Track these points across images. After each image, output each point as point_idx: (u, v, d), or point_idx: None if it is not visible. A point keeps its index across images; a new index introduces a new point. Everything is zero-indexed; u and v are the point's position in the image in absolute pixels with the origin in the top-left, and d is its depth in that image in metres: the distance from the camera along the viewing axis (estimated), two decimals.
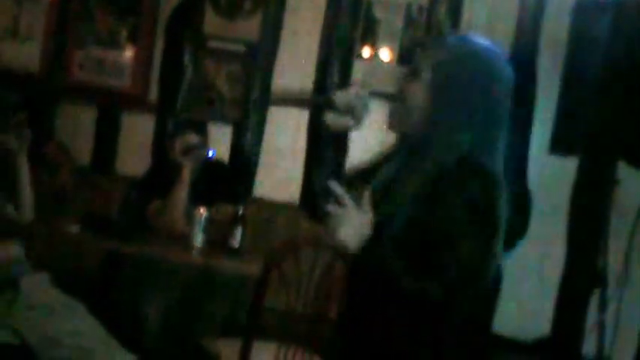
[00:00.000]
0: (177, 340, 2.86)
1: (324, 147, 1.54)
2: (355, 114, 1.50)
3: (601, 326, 3.07)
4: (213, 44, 3.51)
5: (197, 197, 2.93)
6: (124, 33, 3.56)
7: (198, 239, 2.78)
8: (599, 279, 3.14)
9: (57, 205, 3.04)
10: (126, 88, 3.55)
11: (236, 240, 2.81)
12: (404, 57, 3.38)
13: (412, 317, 1.39)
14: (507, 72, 1.43)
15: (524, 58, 3.35)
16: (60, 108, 3.58)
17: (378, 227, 1.39)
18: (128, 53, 3.56)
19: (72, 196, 3.10)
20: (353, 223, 1.35)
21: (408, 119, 1.44)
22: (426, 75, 1.42)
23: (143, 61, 3.54)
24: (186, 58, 3.54)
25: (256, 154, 3.52)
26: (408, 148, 1.48)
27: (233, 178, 3.28)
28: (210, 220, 2.80)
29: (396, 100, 1.47)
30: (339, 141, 1.54)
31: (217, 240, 2.84)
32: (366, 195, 1.37)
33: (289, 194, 3.50)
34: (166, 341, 2.82)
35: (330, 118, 1.53)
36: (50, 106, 3.57)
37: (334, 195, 1.37)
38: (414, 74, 1.45)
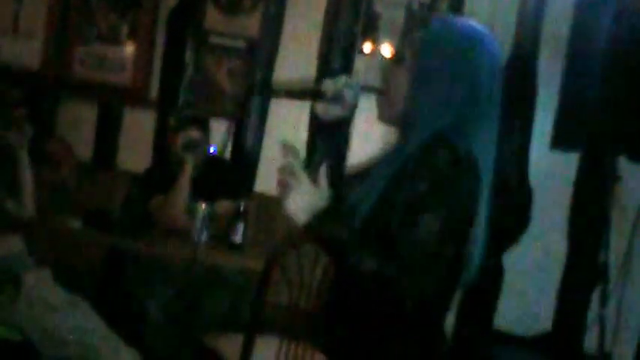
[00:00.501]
0: (180, 335, 2.85)
1: (319, 137, 1.51)
2: (344, 103, 1.46)
3: (602, 321, 3.06)
4: (214, 40, 3.49)
5: (199, 193, 2.91)
6: (125, 29, 3.54)
7: (200, 235, 2.77)
8: (600, 274, 3.12)
9: (58, 201, 3.02)
10: (127, 84, 3.53)
11: (238, 235, 2.80)
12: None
13: (365, 298, 1.35)
14: (491, 52, 1.37)
15: (525, 53, 3.33)
16: (61, 104, 3.56)
17: (350, 210, 1.35)
18: (129, 49, 3.54)
19: (73, 191, 3.08)
20: (303, 196, 1.33)
21: (394, 108, 1.41)
22: (409, 59, 1.38)
23: (144, 57, 3.52)
24: (187, 54, 3.52)
25: (257, 149, 3.51)
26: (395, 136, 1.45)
27: (234, 173, 3.27)
28: (211, 216, 2.78)
29: (382, 90, 1.43)
30: (338, 132, 1.51)
31: (219, 235, 2.83)
32: (322, 170, 1.35)
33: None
34: (168, 337, 2.81)
35: (320, 108, 1.49)
36: (51, 102, 3.54)
37: (289, 168, 1.35)
38: (397, 61, 1.42)
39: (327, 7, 3.44)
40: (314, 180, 1.36)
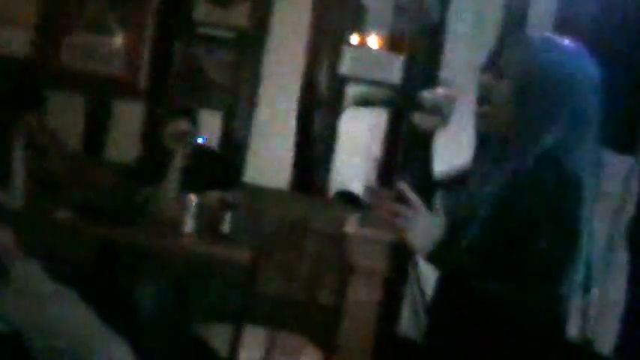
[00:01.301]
0: (169, 326, 2.83)
1: (409, 147, 1.55)
2: (442, 114, 1.49)
3: (585, 309, 3.07)
4: (203, 31, 3.44)
5: (188, 184, 2.89)
6: (115, 19, 3.48)
7: (190, 226, 2.75)
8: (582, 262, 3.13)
9: (47, 192, 2.98)
10: (116, 74, 3.48)
11: (227, 226, 2.78)
12: (393, 44, 3.34)
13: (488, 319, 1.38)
14: (593, 72, 1.40)
15: None
16: (49, 94, 3.49)
17: (453, 229, 1.36)
18: (119, 40, 3.48)
19: (63, 182, 3.03)
20: (423, 226, 1.33)
21: (494, 120, 1.42)
22: (513, 74, 1.39)
23: (134, 48, 3.46)
24: (177, 45, 3.48)
25: (246, 140, 3.48)
26: (490, 149, 1.47)
27: (223, 164, 3.24)
28: (201, 207, 2.76)
29: (481, 100, 1.44)
30: (423, 142, 1.51)
31: (208, 226, 2.80)
32: (439, 197, 1.37)
33: (279, 180, 3.46)
34: (159, 327, 2.79)
35: (418, 118, 1.51)
36: (41, 92, 3.48)
37: (405, 197, 1.34)
38: (499, 74, 1.42)
39: None
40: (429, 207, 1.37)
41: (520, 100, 1.37)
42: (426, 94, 1.50)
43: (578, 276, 1.37)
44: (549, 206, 1.31)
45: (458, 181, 1.54)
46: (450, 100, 1.49)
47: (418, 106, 1.50)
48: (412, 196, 1.33)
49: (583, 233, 1.34)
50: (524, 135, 1.37)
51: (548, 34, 1.44)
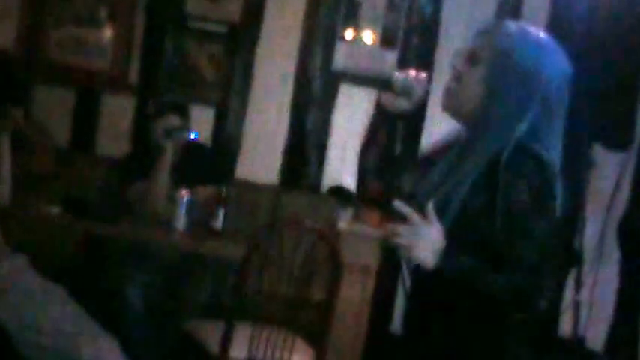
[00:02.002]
0: (160, 322, 2.80)
1: (377, 128, 1.50)
2: (412, 96, 1.46)
3: (576, 306, 3.07)
4: (194, 25, 3.41)
5: (179, 179, 2.86)
6: (104, 12, 3.43)
7: (181, 221, 2.73)
8: (575, 259, 3.13)
9: (35, 187, 2.93)
10: (106, 68, 3.43)
11: (218, 222, 2.76)
12: (386, 39, 3.32)
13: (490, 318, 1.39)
14: (562, 61, 1.42)
15: None
16: (37, 88, 3.44)
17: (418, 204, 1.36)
18: (108, 33, 3.43)
19: (51, 177, 2.99)
20: (426, 240, 1.32)
21: (464, 104, 1.42)
22: (487, 60, 1.39)
23: (123, 42, 3.42)
24: (168, 39, 3.43)
25: (238, 135, 3.45)
26: (462, 137, 1.47)
27: (215, 159, 3.21)
28: (192, 203, 2.73)
29: (452, 79, 1.43)
30: (389, 123, 1.49)
31: (200, 222, 2.78)
32: (430, 207, 1.34)
33: (271, 176, 3.44)
34: (149, 324, 2.76)
35: (386, 99, 1.48)
36: (27, 86, 3.43)
37: (402, 214, 1.34)
38: (473, 58, 1.41)
39: None
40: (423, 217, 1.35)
41: (494, 85, 1.38)
42: (397, 75, 1.48)
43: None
44: (533, 195, 1.32)
45: (422, 163, 1.53)
46: (420, 82, 1.47)
47: (388, 86, 1.47)
48: (407, 210, 1.33)
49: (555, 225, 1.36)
50: (495, 121, 1.37)
51: (523, 23, 1.44)
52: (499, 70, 1.38)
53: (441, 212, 1.34)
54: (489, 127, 1.38)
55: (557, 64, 1.40)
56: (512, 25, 1.42)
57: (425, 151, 1.56)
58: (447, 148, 1.51)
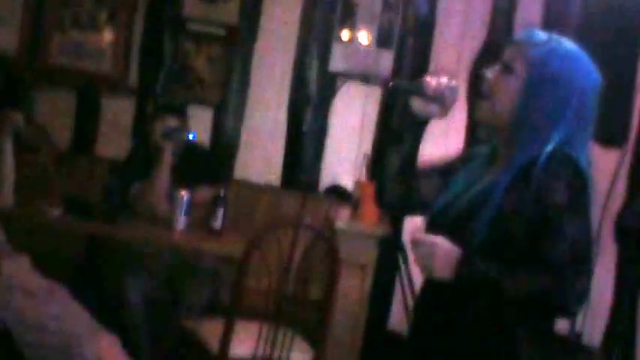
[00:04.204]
0: (161, 321, 2.82)
1: (402, 133, 1.49)
2: (444, 103, 1.45)
3: None
4: (193, 27, 3.43)
5: (178, 179, 2.87)
6: (103, 16, 3.46)
7: (180, 221, 2.74)
8: None
9: (37, 189, 2.96)
10: (105, 71, 3.45)
11: (217, 221, 2.78)
12: (382, 40, 3.34)
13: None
14: (595, 76, 1.43)
15: (499, 39, 3.33)
16: (39, 91, 3.47)
17: (460, 227, 1.38)
18: (107, 36, 3.46)
19: (52, 179, 3.01)
20: (440, 256, 1.34)
21: (498, 114, 1.43)
22: (521, 70, 1.40)
23: (122, 44, 3.44)
24: (166, 41, 3.46)
25: (236, 136, 3.47)
26: (486, 148, 1.48)
27: (213, 160, 3.23)
28: (191, 202, 2.75)
29: (483, 93, 1.44)
30: (416, 129, 1.49)
31: (199, 221, 2.79)
32: (422, 222, 1.39)
33: (270, 176, 3.45)
34: (150, 323, 2.78)
35: (418, 104, 1.47)
36: (28, 89, 3.45)
37: (420, 241, 1.37)
38: (506, 69, 1.42)
39: None
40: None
41: (530, 95, 1.39)
42: (429, 81, 1.46)
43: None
44: (569, 202, 1.33)
45: (441, 172, 1.54)
46: (453, 91, 1.46)
47: (419, 91, 1.45)
48: (422, 235, 1.36)
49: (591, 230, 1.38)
50: (533, 130, 1.38)
51: (556, 35, 1.45)
52: (534, 81, 1.39)
53: (475, 216, 1.36)
54: (524, 137, 1.39)
55: (589, 73, 1.42)
56: (543, 36, 1.43)
57: (441, 162, 1.57)
58: (463, 159, 1.52)
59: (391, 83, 1.52)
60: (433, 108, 1.46)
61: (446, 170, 1.54)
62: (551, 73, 1.39)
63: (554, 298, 1.32)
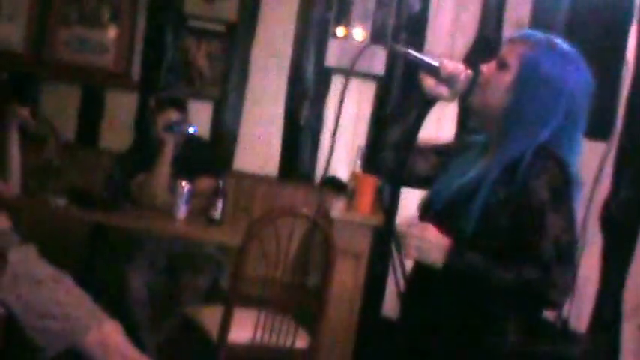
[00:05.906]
0: (162, 307, 2.83)
1: (409, 108, 1.45)
2: (454, 86, 1.43)
3: None
4: (193, 24, 3.42)
5: (179, 171, 2.88)
6: (107, 13, 3.45)
7: (181, 211, 2.75)
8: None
9: (44, 180, 2.96)
10: (109, 66, 3.45)
11: (217, 212, 2.78)
12: (376, 36, 3.34)
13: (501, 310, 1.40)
14: (588, 76, 1.43)
15: (489, 36, 3.33)
16: (44, 86, 3.46)
17: (449, 218, 1.38)
18: (111, 32, 3.46)
19: (58, 170, 3.01)
20: (431, 238, 1.36)
21: (489, 106, 1.42)
22: (515, 68, 1.40)
23: (126, 40, 3.44)
24: (168, 38, 3.45)
25: (235, 129, 3.47)
26: (482, 138, 1.48)
27: (213, 152, 3.23)
28: (192, 193, 2.75)
29: (477, 82, 1.43)
30: (422, 108, 1.47)
31: (199, 212, 2.80)
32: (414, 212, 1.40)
33: (267, 167, 3.46)
34: (151, 309, 2.78)
35: (429, 83, 1.44)
36: (35, 83, 3.45)
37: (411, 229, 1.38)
38: (501, 65, 1.42)
39: None
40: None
41: (521, 93, 1.39)
42: (446, 62, 1.43)
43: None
44: (551, 199, 1.32)
45: (437, 152, 1.54)
46: (467, 77, 1.43)
47: (434, 71, 1.43)
48: (415, 220, 1.38)
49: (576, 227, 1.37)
50: (522, 126, 1.38)
51: (552, 37, 1.44)
52: (526, 80, 1.38)
53: (464, 208, 1.36)
54: (513, 131, 1.39)
55: (582, 75, 1.41)
56: (539, 36, 1.42)
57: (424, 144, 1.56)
58: (459, 147, 1.52)
59: (405, 50, 1.44)
60: (443, 90, 1.44)
61: (442, 151, 1.53)
62: (543, 73, 1.38)
63: (538, 290, 1.32)
